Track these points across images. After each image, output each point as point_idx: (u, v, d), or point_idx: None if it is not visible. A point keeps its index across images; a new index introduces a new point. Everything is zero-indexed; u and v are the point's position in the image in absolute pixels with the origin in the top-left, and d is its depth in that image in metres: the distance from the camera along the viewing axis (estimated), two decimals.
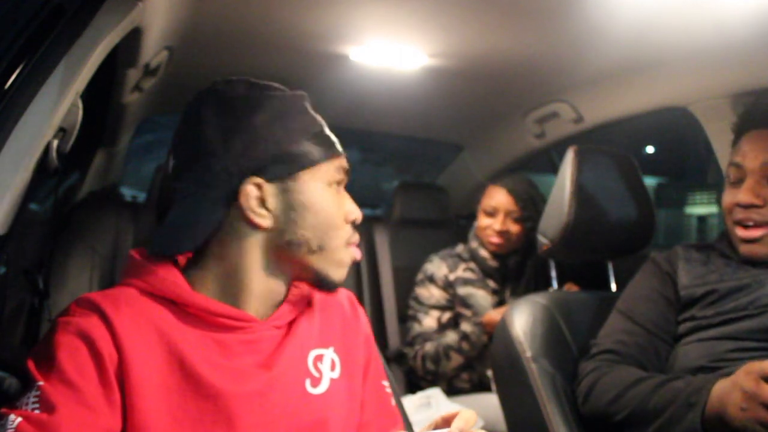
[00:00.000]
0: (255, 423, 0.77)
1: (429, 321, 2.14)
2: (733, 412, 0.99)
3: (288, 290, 0.87)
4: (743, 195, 1.19)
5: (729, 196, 1.25)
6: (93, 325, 0.73)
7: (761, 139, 1.21)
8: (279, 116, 0.82)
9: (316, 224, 0.83)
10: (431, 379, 2.11)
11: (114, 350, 0.73)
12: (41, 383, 0.70)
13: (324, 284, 0.86)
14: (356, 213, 0.88)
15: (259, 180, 0.80)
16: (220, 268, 0.82)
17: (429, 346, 2.08)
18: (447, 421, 0.73)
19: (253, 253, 0.82)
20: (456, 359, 2.05)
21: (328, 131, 0.87)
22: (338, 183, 0.87)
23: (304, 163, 0.82)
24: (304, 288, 0.89)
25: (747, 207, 1.20)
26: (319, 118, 0.87)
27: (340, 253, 0.86)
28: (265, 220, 0.80)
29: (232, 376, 0.77)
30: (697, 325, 1.23)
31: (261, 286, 0.83)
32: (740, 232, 1.23)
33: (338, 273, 0.86)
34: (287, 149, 0.81)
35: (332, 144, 0.86)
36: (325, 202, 0.84)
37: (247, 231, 0.81)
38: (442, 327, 2.14)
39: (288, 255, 0.83)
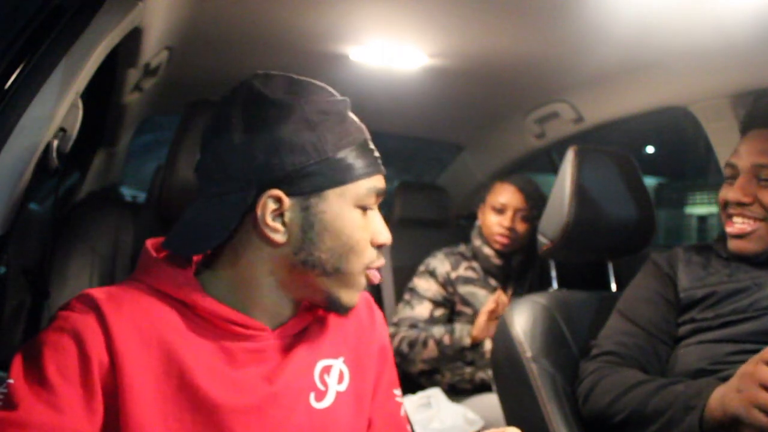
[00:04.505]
0: None
1: (421, 309, 2.13)
2: (730, 399, 0.99)
3: (298, 304, 0.83)
4: (733, 192, 1.23)
5: (722, 193, 1.28)
6: (87, 325, 0.71)
7: (756, 139, 1.24)
8: (311, 124, 0.75)
9: (335, 247, 0.77)
10: (399, 362, 2.08)
11: (105, 354, 0.70)
12: (11, 381, 0.69)
13: (334, 308, 0.81)
14: (384, 236, 0.81)
15: (278, 193, 0.75)
16: (232, 275, 0.79)
17: (413, 331, 2.07)
18: None
19: (264, 266, 0.78)
20: (431, 350, 2.00)
21: (369, 144, 0.80)
22: (369, 205, 0.80)
23: (331, 181, 0.76)
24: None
25: (736, 204, 1.23)
26: (362, 128, 0.80)
27: (356, 277, 0.80)
28: (278, 235, 0.76)
29: (232, 388, 0.74)
30: (697, 328, 1.23)
31: (269, 301, 0.79)
32: (729, 228, 1.26)
33: (350, 297, 0.81)
34: (315, 163, 0.75)
35: (369, 161, 0.78)
36: (349, 224, 0.77)
37: (260, 243, 0.77)
38: (433, 321, 2.13)
39: (300, 274, 0.78)
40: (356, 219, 0.78)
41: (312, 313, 0.85)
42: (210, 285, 0.78)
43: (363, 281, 0.81)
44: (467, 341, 2.00)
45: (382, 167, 0.81)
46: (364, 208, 0.79)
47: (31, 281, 1.33)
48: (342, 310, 0.81)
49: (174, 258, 0.79)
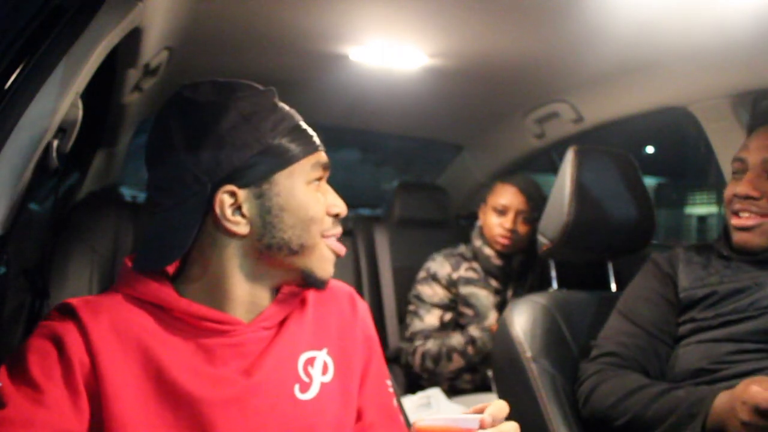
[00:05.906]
0: (235, 430, 0.76)
1: (431, 318, 2.13)
2: (733, 426, 0.99)
3: (275, 293, 0.86)
4: (742, 187, 1.23)
5: (730, 188, 1.28)
6: (67, 330, 0.74)
7: (766, 134, 1.24)
8: (246, 119, 0.79)
9: (295, 224, 0.81)
10: (428, 377, 2.11)
11: (86, 356, 0.74)
12: None
13: (312, 283, 0.85)
14: (339, 206, 0.86)
15: (231, 187, 0.78)
16: (203, 276, 0.82)
17: (431, 345, 2.07)
18: (480, 411, 0.73)
19: (233, 260, 0.81)
20: (457, 362, 2.03)
21: (303, 125, 0.84)
22: (317, 179, 0.85)
23: (277, 166, 0.80)
24: (294, 287, 0.88)
25: (744, 198, 1.23)
26: (292, 112, 0.84)
27: (321, 248, 0.84)
28: (241, 227, 0.80)
29: (210, 383, 0.77)
30: (697, 327, 1.23)
31: (245, 293, 0.82)
32: (734, 220, 1.26)
33: (324, 269, 0.85)
34: (257, 153, 0.79)
35: (307, 140, 0.83)
36: (303, 200, 0.82)
37: (225, 238, 0.81)
38: (444, 326, 2.13)
39: (269, 258, 0.82)
40: (309, 194, 0.83)
41: (291, 304, 0.87)
42: (184, 290, 0.82)
43: (328, 252, 0.85)
44: (490, 345, 2.00)
45: (320, 143, 0.85)
46: (315, 182, 0.84)
47: (31, 281, 1.33)
48: (319, 283, 0.85)
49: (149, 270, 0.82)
